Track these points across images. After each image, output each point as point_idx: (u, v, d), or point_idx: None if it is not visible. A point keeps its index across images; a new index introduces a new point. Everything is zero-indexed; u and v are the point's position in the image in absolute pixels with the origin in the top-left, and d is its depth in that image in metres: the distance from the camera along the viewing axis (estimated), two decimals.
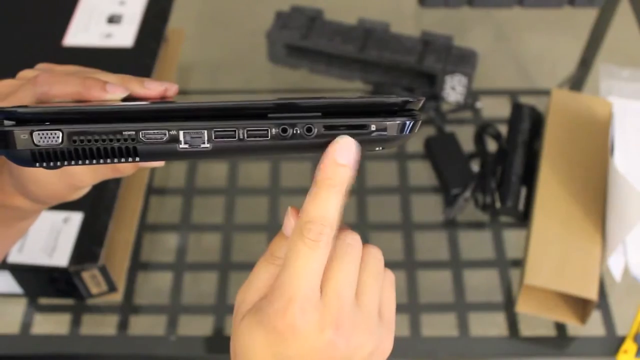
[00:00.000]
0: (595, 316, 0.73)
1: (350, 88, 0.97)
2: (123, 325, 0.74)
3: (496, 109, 0.92)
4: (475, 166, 0.84)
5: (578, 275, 0.70)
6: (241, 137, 0.35)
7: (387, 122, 0.36)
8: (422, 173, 0.86)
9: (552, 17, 1.06)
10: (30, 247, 0.70)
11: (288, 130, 0.35)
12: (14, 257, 0.70)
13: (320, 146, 0.36)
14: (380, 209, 0.83)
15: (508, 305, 0.75)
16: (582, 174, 0.78)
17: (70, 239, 0.71)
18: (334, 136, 0.35)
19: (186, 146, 0.35)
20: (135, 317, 0.75)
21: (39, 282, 0.72)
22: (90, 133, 0.34)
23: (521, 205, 0.79)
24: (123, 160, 0.35)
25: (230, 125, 0.35)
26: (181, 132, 0.34)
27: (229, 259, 0.79)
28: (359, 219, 0.82)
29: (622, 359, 0.70)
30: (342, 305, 0.32)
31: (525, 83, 1.02)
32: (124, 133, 0.34)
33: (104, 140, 0.34)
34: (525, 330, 0.73)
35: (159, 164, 0.43)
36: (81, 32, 0.88)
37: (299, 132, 0.35)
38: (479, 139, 0.86)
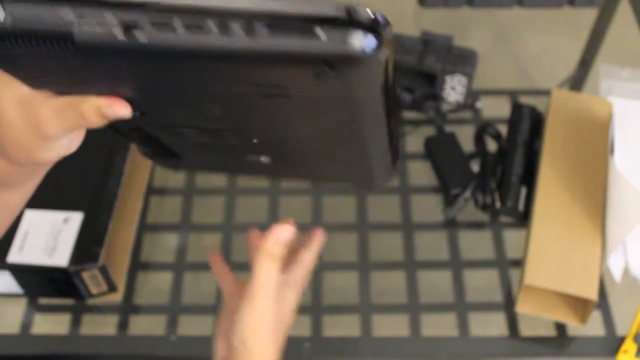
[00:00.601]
0: (595, 316, 0.73)
1: None
2: (123, 325, 0.74)
3: (496, 109, 0.92)
4: (475, 166, 0.84)
5: (578, 275, 0.70)
6: (177, 29, 0.32)
7: (338, 32, 0.29)
8: (422, 173, 0.86)
9: (552, 17, 1.06)
10: (30, 247, 0.70)
11: (229, 27, 0.31)
12: (14, 257, 0.70)
13: (267, 58, 0.31)
14: (380, 209, 0.83)
15: (508, 305, 0.75)
16: (582, 174, 0.78)
17: (70, 239, 0.71)
18: (279, 43, 0.30)
19: (123, 37, 0.33)
20: (135, 317, 0.75)
21: (39, 282, 0.72)
22: (31, 13, 0.33)
23: (521, 205, 0.79)
24: (62, 45, 0.34)
25: (168, 15, 0.32)
26: (115, 20, 0.33)
27: (229, 259, 0.79)
28: (359, 219, 0.82)
29: (622, 359, 0.70)
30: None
31: (525, 83, 1.02)
32: (61, 14, 0.33)
33: (44, 21, 0.34)
34: (525, 330, 0.73)
35: (122, 110, 0.38)
36: None
37: (241, 31, 0.31)
38: (479, 139, 0.86)
